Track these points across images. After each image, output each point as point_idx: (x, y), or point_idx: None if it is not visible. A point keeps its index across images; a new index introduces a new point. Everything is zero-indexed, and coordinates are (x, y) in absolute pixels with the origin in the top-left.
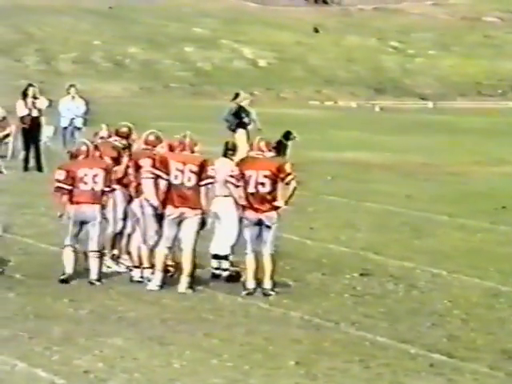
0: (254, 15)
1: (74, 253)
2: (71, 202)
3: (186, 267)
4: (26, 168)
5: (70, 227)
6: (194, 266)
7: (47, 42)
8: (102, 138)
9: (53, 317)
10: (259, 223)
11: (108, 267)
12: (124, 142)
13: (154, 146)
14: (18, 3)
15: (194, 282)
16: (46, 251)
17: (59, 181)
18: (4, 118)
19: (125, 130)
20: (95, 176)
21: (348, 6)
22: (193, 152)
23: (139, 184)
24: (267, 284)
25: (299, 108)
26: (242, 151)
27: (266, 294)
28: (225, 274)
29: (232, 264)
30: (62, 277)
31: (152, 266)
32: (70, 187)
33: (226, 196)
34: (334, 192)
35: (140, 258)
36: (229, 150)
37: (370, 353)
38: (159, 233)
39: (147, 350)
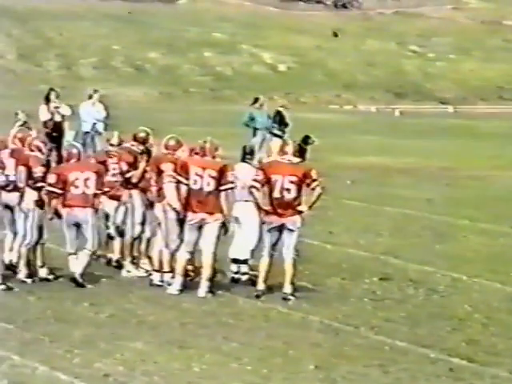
0: (273, 20)
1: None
2: (63, 205)
3: (206, 272)
4: None
5: (65, 232)
6: (214, 271)
7: (67, 47)
8: (111, 145)
9: (73, 320)
10: (281, 228)
11: (128, 271)
12: (141, 147)
13: (175, 151)
14: (37, 8)
15: (213, 286)
16: (66, 255)
17: (50, 184)
18: (25, 123)
19: (142, 135)
20: (87, 180)
21: (368, 11)
22: (214, 157)
23: (161, 189)
24: (287, 288)
25: (319, 112)
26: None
27: (285, 299)
28: (244, 277)
29: (251, 268)
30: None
31: (172, 271)
32: (61, 191)
33: (246, 201)
34: (353, 196)
35: (161, 262)
36: (247, 155)
37: (389, 357)
38: (180, 237)
39: (167, 354)
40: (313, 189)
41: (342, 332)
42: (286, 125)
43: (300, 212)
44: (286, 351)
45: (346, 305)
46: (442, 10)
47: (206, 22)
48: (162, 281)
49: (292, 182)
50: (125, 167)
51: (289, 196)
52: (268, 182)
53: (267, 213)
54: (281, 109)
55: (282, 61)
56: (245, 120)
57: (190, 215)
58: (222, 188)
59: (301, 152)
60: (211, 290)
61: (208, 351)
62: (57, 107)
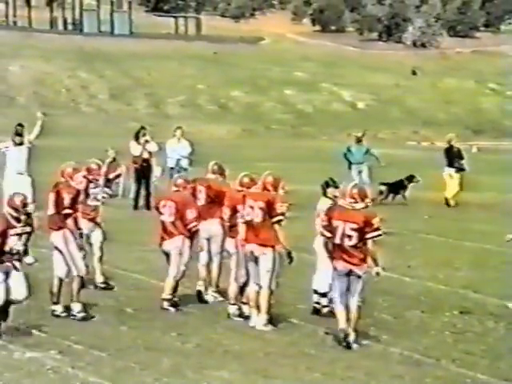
0: (352, 59)
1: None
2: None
3: (263, 305)
4: (135, 207)
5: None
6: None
7: (155, 86)
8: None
9: (162, 349)
10: (349, 274)
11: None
12: (220, 178)
13: (249, 188)
14: (127, 50)
15: (272, 318)
16: (155, 286)
17: None
18: (114, 159)
19: (215, 167)
20: None
21: (446, 50)
22: (273, 190)
23: (234, 225)
24: (352, 336)
25: (396, 148)
26: (451, 190)
27: (348, 346)
28: (325, 310)
29: (331, 301)
30: None
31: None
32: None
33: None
34: (431, 231)
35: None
36: (327, 189)
37: None
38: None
39: (252, 383)
40: (369, 238)
41: (423, 364)
42: (462, 157)
43: (365, 260)
44: (367, 382)
45: (427, 337)
46: None
47: (287, 62)
48: (240, 313)
49: (353, 230)
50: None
51: (349, 243)
52: (330, 227)
53: (333, 258)
54: (453, 143)
55: (360, 98)
56: (343, 152)
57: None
58: (274, 220)
59: (402, 188)
60: (271, 322)
61: (291, 381)
62: (147, 141)
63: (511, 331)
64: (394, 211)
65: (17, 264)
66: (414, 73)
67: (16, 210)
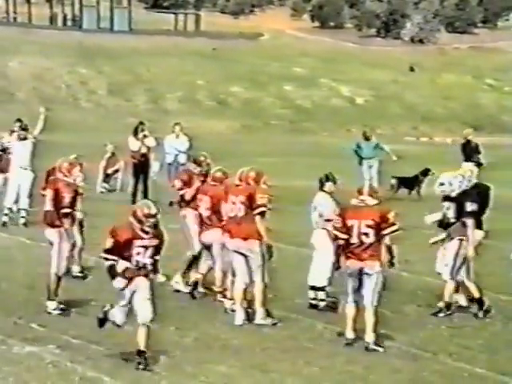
0: (351, 55)
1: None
2: None
3: (259, 299)
4: (133, 201)
5: None
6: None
7: (154, 82)
8: None
9: (160, 344)
10: (360, 272)
11: (176, 282)
12: (199, 168)
13: (221, 182)
14: (126, 46)
15: (268, 312)
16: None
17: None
18: (113, 154)
19: (201, 158)
20: None
21: (444, 46)
22: (255, 184)
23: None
24: (369, 337)
25: (395, 143)
26: None
27: (368, 349)
28: (322, 304)
29: (328, 295)
30: None
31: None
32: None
33: (323, 228)
34: (430, 226)
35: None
36: (323, 184)
37: None
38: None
39: (250, 378)
40: (385, 234)
41: (420, 358)
42: (479, 152)
43: (379, 257)
44: (366, 376)
45: (424, 331)
46: None
47: (286, 58)
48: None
49: (369, 226)
50: (179, 184)
51: (367, 240)
52: (345, 227)
53: (347, 257)
54: (470, 138)
55: (359, 94)
56: (353, 148)
57: (230, 241)
58: (255, 212)
59: (417, 183)
60: (269, 315)
61: (289, 375)
62: (145, 136)
63: (508, 325)
64: (393, 206)
65: (143, 281)
66: (411, 69)
67: (139, 221)
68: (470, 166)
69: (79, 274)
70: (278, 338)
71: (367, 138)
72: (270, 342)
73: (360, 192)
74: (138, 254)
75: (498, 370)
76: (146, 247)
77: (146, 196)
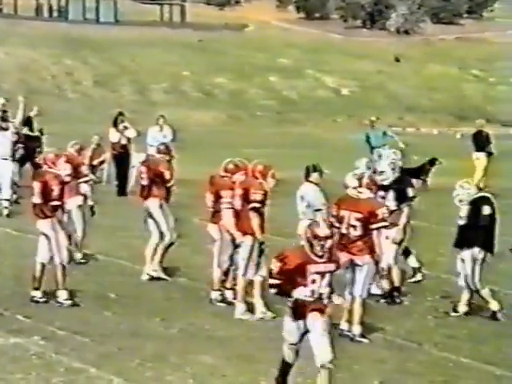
0: (337, 46)
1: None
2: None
3: (239, 293)
4: (119, 192)
5: None
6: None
7: (140, 73)
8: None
9: (146, 335)
10: (353, 265)
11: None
12: (167, 157)
13: (233, 174)
14: (112, 37)
15: (250, 307)
16: (139, 272)
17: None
18: (99, 145)
19: (162, 148)
20: None
21: (429, 36)
22: (262, 178)
23: (217, 211)
24: (356, 329)
25: None
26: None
27: (353, 340)
28: None
29: None
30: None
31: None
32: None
33: (310, 219)
34: (416, 217)
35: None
36: (309, 174)
37: (453, 373)
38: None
39: (235, 368)
40: (373, 229)
41: (405, 348)
42: (490, 142)
43: (368, 251)
44: (351, 366)
45: (409, 321)
46: (504, 35)
47: (272, 49)
48: (223, 299)
49: (358, 219)
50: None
51: (354, 233)
52: (338, 216)
53: (339, 249)
54: (481, 128)
55: (344, 85)
56: (363, 138)
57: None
58: (249, 207)
59: (425, 172)
60: (269, 309)
61: (275, 365)
62: (125, 127)
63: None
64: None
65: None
66: (397, 59)
67: (318, 238)
68: (480, 155)
69: (82, 261)
70: (263, 329)
71: (373, 126)
72: (255, 332)
73: (360, 181)
74: (315, 282)
75: (483, 360)
76: (322, 274)
77: (124, 187)
